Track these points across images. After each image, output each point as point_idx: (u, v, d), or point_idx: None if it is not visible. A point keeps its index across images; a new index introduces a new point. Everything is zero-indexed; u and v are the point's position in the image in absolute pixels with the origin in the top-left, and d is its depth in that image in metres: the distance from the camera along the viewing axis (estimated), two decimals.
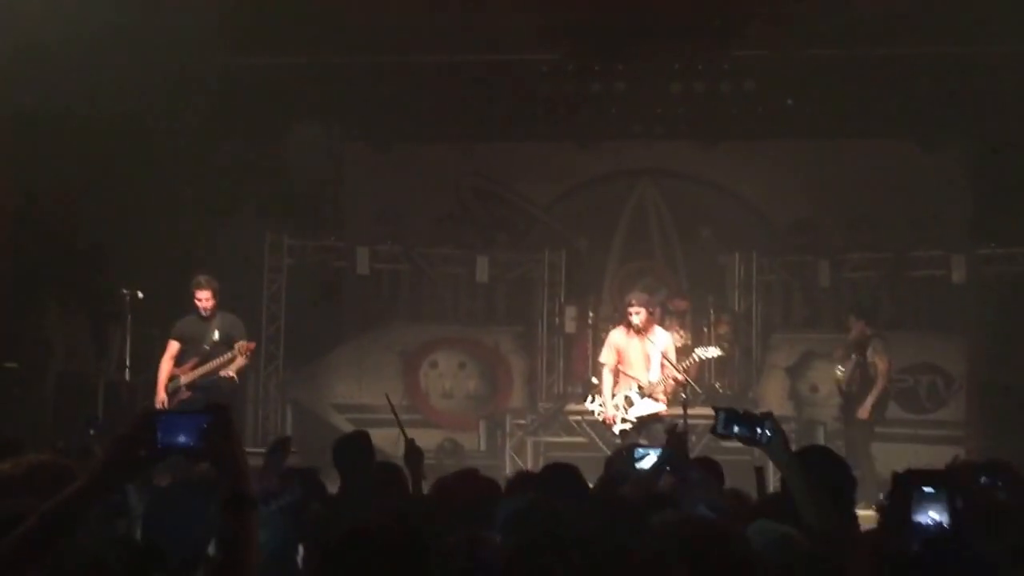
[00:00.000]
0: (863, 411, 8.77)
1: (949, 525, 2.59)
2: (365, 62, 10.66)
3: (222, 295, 8.31)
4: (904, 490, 2.65)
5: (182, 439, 2.25)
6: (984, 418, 9.85)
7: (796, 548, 2.69)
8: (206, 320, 8.25)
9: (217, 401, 7.82)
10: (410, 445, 4.69)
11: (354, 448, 4.69)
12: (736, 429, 3.04)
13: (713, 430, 3.12)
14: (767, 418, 3.04)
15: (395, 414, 5.34)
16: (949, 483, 2.65)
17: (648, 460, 4.19)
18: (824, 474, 3.30)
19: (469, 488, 3.79)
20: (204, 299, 8.20)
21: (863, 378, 8.94)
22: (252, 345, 8.52)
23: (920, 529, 2.58)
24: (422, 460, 4.61)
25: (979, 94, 9.86)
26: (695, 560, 2.37)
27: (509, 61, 10.59)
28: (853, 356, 9.03)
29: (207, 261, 9.10)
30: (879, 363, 8.97)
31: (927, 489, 2.62)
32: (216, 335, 8.23)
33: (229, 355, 8.15)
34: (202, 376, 8.16)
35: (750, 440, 3.04)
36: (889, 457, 7.99)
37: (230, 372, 8.18)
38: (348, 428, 9.61)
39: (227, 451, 2.25)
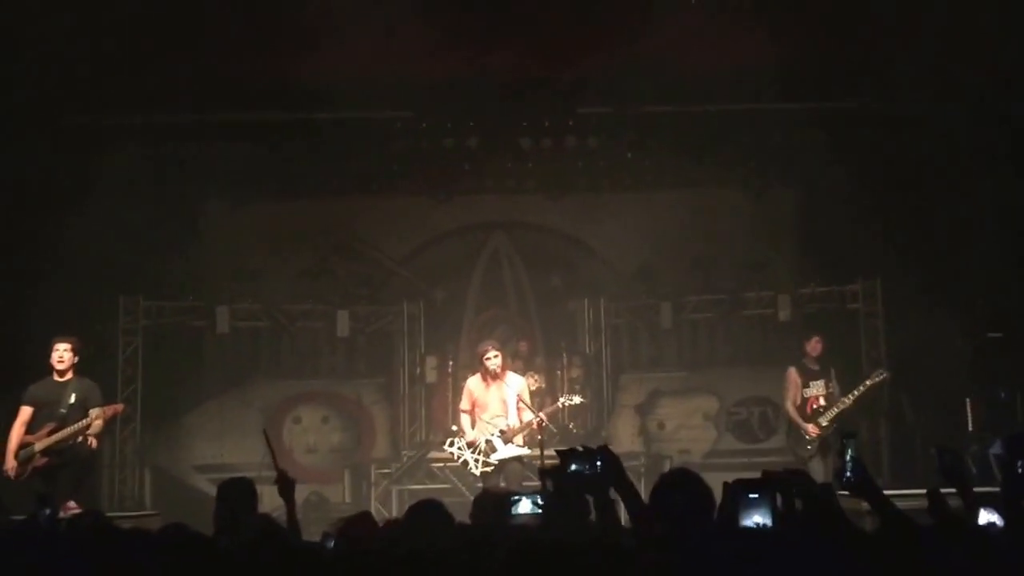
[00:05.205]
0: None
1: (772, 524, 2.98)
2: (219, 119, 10.76)
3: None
4: (733, 497, 3.03)
5: None
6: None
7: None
8: (62, 384, 8.03)
9: (74, 467, 7.76)
10: (282, 475, 4.76)
11: (239, 491, 4.83)
12: (575, 467, 3.33)
13: (558, 471, 3.39)
14: (600, 451, 3.34)
15: (270, 446, 5.44)
16: (771, 488, 3.04)
17: (524, 505, 4.31)
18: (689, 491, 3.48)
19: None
20: (63, 350, 8.00)
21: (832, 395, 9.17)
22: (120, 408, 8.42)
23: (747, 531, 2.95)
24: (294, 489, 4.76)
25: (798, 146, 10.69)
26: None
27: (364, 119, 10.87)
28: (825, 378, 9.21)
29: (60, 326, 8.90)
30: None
31: (752, 495, 3.01)
32: (72, 399, 7.97)
33: (86, 421, 7.92)
34: (58, 442, 7.86)
35: (586, 475, 3.30)
36: None
37: (91, 439, 8.02)
38: (210, 489, 9.56)
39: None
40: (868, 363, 10.72)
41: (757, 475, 3.40)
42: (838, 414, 9.06)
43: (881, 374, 9.28)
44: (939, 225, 10.32)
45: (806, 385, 9.22)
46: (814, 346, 9.32)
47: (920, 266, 10.29)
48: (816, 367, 9.27)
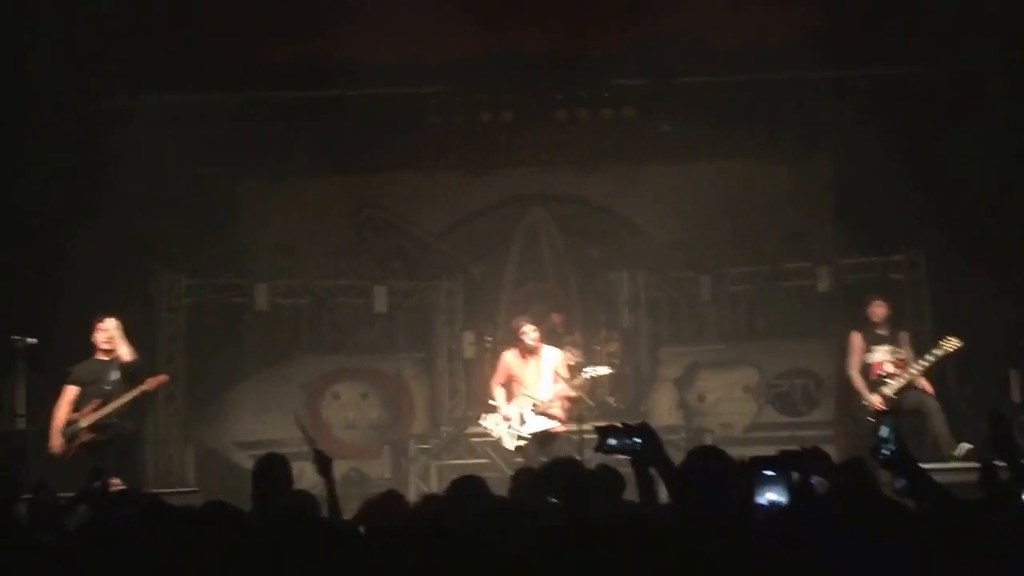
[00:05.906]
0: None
1: (788, 503, 2.95)
2: (256, 98, 10.81)
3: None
4: (748, 474, 3.00)
5: None
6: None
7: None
8: (106, 362, 8.17)
9: (118, 444, 7.91)
10: (318, 455, 4.84)
11: (274, 467, 4.91)
12: (613, 443, 3.34)
13: (596, 448, 3.42)
14: (640, 428, 3.35)
15: (302, 428, 5.55)
16: (787, 466, 3.01)
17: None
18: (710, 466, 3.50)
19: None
20: (106, 329, 8.14)
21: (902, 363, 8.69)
22: (164, 379, 8.58)
23: (761, 509, 2.92)
24: (332, 466, 4.83)
25: (837, 115, 10.43)
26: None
27: (399, 94, 10.86)
28: (892, 343, 8.75)
29: (103, 304, 9.02)
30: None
31: (767, 472, 2.99)
32: (116, 376, 8.14)
33: (131, 393, 8.11)
34: (105, 417, 8.03)
35: (624, 451, 3.35)
36: None
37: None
38: (252, 465, 9.67)
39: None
40: (912, 335, 10.58)
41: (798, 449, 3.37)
42: (905, 385, 8.58)
43: (953, 341, 8.57)
44: (983, 193, 10.10)
45: (869, 349, 8.81)
46: (875, 310, 8.92)
47: (964, 236, 10.10)
48: (884, 332, 8.85)
